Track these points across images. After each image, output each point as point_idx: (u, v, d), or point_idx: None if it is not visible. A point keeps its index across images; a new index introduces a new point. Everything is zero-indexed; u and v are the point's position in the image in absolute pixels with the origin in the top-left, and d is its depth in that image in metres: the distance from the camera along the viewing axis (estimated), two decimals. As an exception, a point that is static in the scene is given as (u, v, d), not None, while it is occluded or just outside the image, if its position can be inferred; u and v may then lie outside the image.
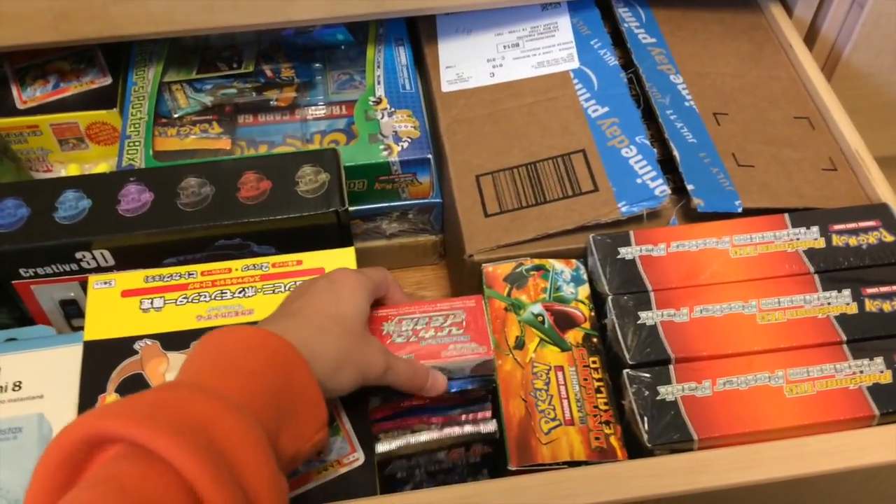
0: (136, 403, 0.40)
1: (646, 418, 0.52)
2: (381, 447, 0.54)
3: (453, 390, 0.56)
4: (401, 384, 0.53)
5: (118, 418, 0.38)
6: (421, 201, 0.72)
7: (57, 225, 0.60)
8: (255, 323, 0.51)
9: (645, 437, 0.51)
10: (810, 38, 0.82)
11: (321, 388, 0.47)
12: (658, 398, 0.53)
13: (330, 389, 0.48)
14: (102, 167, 0.76)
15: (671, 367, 0.54)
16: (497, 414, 0.56)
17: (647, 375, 0.54)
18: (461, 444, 0.56)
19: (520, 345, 0.58)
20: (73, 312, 0.65)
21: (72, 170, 0.75)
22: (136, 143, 0.69)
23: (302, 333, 0.48)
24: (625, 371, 0.54)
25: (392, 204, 0.72)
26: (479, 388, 0.57)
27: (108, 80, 0.76)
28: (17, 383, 0.57)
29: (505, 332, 0.59)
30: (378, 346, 0.53)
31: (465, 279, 0.65)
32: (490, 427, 0.56)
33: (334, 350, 0.49)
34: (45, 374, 0.58)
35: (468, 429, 0.55)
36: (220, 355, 0.45)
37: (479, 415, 0.56)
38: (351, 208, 0.71)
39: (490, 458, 0.58)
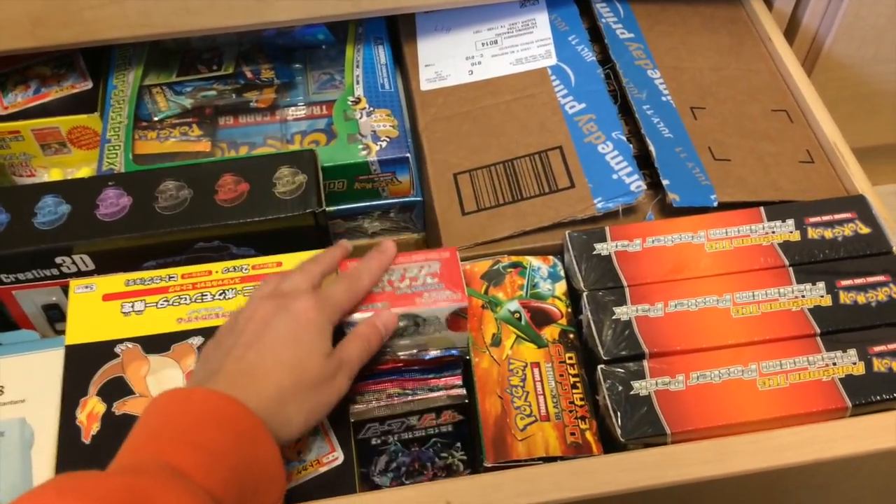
0: (101, 487, 0.39)
1: (619, 413, 0.52)
2: (356, 408, 0.55)
3: (427, 357, 0.57)
4: (364, 361, 0.53)
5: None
6: (401, 200, 0.72)
7: (36, 230, 0.61)
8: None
9: (618, 431, 0.52)
10: (791, 30, 0.83)
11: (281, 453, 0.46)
12: (632, 393, 0.53)
13: (288, 442, 0.48)
14: (85, 171, 0.76)
15: (645, 361, 0.55)
16: (473, 408, 0.56)
17: (622, 370, 0.54)
18: (432, 410, 0.56)
19: (496, 342, 0.58)
20: (55, 317, 0.66)
21: (54, 174, 0.76)
22: (116, 147, 0.70)
23: (265, 402, 0.46)
24: (599, 367, 0.55)
25: (372, 203, 0.72)
26: (452, 356, 0.57)
27: (88, 85, 0.76)
28: (0, 388, 0.58)
29: (482, 330, 0.59)
30: (334, 366, 0.50)
31: (445, 277, 0.65)
32: (459, 391, 0.56)
33: (299, 417, 0.48)
34: (28, 379, 0.59)
35: (440, 392, 0.56)
36: (187, 425, 0.44)
37: (450, 380, 0.56)
38: (332, 208, 0.71)
39: (462, 428, 0.58)
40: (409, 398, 0.57)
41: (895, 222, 0.62)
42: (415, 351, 0.57)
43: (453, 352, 0.57)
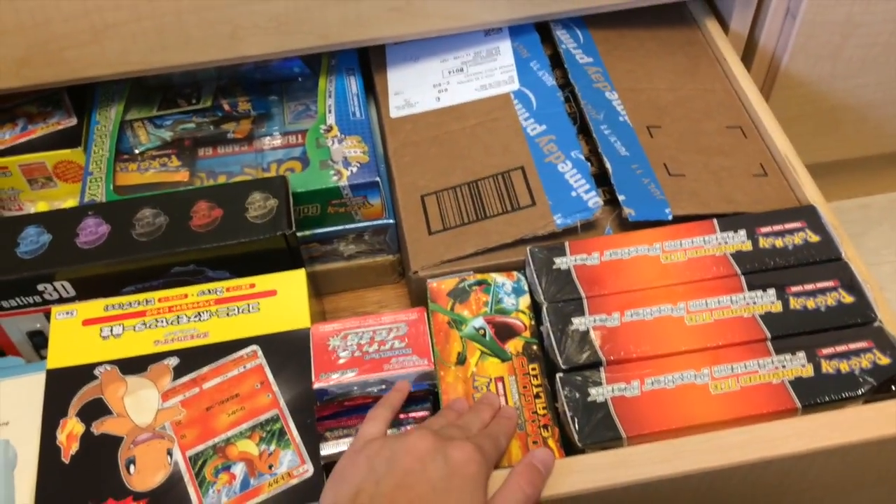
0: None
1: (576, 419, 0.54)
2: (326, 450, 0.56)
3: None
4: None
5: None
6: (374, 223, 0.75)
7: (18, 259, 0.63)
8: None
9: (576, 437, 0.54)
10: (749, 51, 0.86)
11: None
12: (589, 399, 0.55)
13: None
14: (70, 203, 0.79)
15: (602, 369, 0.57)
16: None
17: (579, 378, 0.56)
18: None
19: (461, 360, 0.60)
20: (40, 343, 0.68)
21: (41, 207, 0.78)
22: (98, 179, 0.72)
23: None
24: (557, 375, 0.57)
25: (346, 227, 0.75)
26: (421, 391, 0.59)
27: (73, 121, 0.79)
28: (-16, 412, 0.60)
29: (448, 348, 0.61)
30: None
31: (414, 295, 0.67)
32: None
33: None
34: (12, 402, 0.61)
35: (409, 426, 0.57)
36: None
37: (419, 414, 0.58)
38: (307, 232, 0.74)
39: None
40: None
41: (845, 230, 0.64)
42: (383, 387, 0.59)
43: (423, 385, 0.59)
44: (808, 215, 0.64)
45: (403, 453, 0.48)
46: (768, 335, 0.58)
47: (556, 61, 0.77)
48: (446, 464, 0.47)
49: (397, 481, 0.46)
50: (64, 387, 0.60)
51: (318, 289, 0.78)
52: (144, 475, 0.56)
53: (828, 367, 0.56)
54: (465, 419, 0.54)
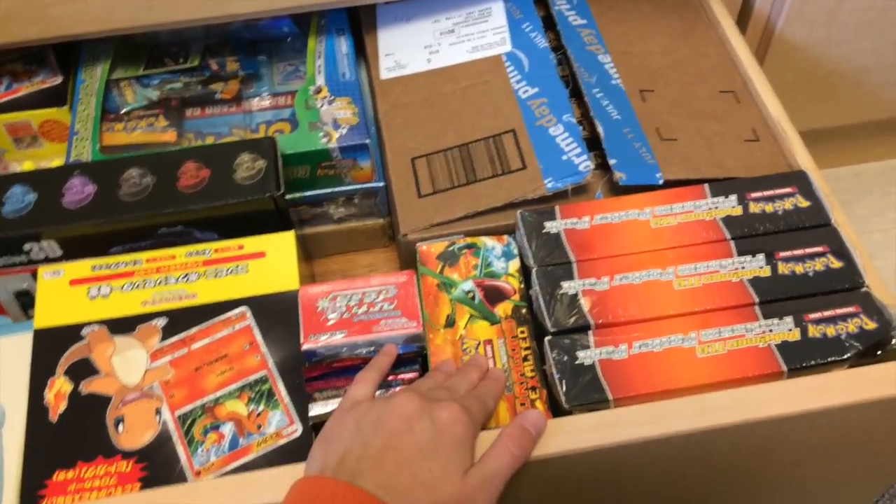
0: None
1: (564, 381, 0.55)
2: (315, 411, 0.56)
3: None
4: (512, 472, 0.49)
5: None
6: (364, 186, 0.74)
7: (3, 219, 0.63)
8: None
9: (563, 398, 0.54)
10: (744, 15, 0.85)
11: None
12: (577, 362, 0.55)
13: None
14: (57, 164, 0.78)
15: (590, 332, 0.57)
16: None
17: (567, 341, 0.56)
18: None
19: (450, 323, 0.60)
20: (28, 303, 0.68)
21: (27, 167, 0.78)
22: (84, 139, 0.72)
23: None
24: (546, 338, 0.57)
25: (336, 189, 0.74)
26: (410, 352, 0.59)
27: (59, 80, 0.78)
28: (-28, 371, 0.60)
29: (437, 310, 0.61)
30: (474, 484, 0.47)
31: (403, 259, 0.67)
32: None
33: None
34: (-1, 362, 0.61)
35: (396, 388, 0.57)
36: None
37: (407, 376, 0.58)
38: (296, 195, 0.73)
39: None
40: None
41: (837, 198, 0.64)
42: (372, 349, 0.59)
43: (412, 347, 0.59)
44: (799, 181, 0.64)
45: (390, 415, 0.48)
46: (756, 300, 0.58)
47: (549, 23, 0.76)
48: (433, 425, 0.47)
49: (384, 442, 0.47)
50: (51, 346, 0.59)
51: (308, 252, 0.77)
52: (133, 434, 0.56)
53: (815, 331, 0.56)
54: (452, 381, 0.54)
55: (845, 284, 0.59)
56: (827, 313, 0.57)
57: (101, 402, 0.57)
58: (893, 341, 0.56)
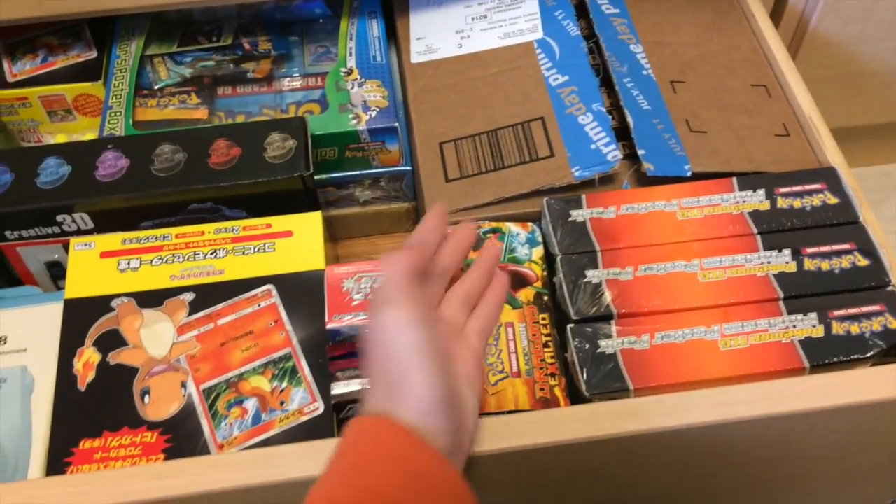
0: None
1: (585, 369, 0.55)
2: (337, 389, 0.57)
3: None
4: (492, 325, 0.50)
5: None
6: (391, 169, 0.75)
7: (38, 190, 0.64)
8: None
9: (583, 387, 0.54)
10: (778, 7, 0.84)
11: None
12: (598, 351, 0.56)
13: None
14: (90, 137, 0.79)
15: (613, 322, 0.57)
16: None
17: (590, 330, 0.57)
18: None
19: (473, 303, 0.61)
20: (58, 274, 0.69)
21: (60, 139, 0.79)
22: (118, 114, 0.72)
23: (439, 438, 0.43)
24: (568, 326, 0.57)
25: (363, 172, 0.75)
26: None
27: (93, 54, 0.79)
28: (3, 338, 0.61)
29: (460, 291, 0.62)
30: (462, 359, 0.47)
31: (429, 242, 0.68)
32: None
33: (459, 428, 0.44)
34: (29, 330, 0.62)
35: None
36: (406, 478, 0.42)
37: None
38: (323, 176, 0.74)
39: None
40: None
41: (865, 197, 0.64)
42: None
43: None
44: (829, 177, 0.64)
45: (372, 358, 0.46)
46: (781, 295, 0.58)
47: (582, 11, 0.76)
48: (375, 330, 0.45)
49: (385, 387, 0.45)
50: (81, 317, 0.60)
51: (333, 233, 0.78)
52: (158, 406, 0.57)
53: (838, 328, 0.56)
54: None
55: (871, 283, 0.58)
56: (851, 311, 0.57)
57: (129, 372, 0.58)
58: (918, 341, 0.56)
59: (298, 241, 0.64)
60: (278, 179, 0.64)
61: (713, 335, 0.56)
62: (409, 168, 0.75)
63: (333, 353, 0.59)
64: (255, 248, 0.64)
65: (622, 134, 0.67)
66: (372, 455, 0.42)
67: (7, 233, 0.65)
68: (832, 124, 0.70)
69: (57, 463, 0.55)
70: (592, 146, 0.66)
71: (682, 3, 0.77)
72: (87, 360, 0.59)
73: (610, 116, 0.68)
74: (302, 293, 0.61)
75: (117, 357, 0.59)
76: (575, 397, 0.57)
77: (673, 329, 0.56)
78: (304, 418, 0.57)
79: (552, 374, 0.58)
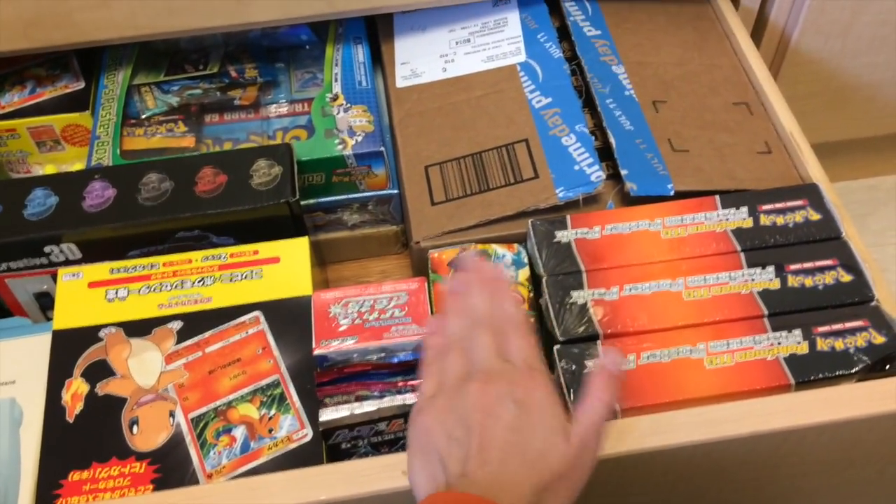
0: None
1: (572, 390, 0.55)
2: (325, 416, 0.57)
3: (395, 361, 0.59)
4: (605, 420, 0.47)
5: None
6: (378, 193, 0.75)
7: (26, 221, 0.64)
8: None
9: (571, 408, 0.54)
10: (759, 27, 0.85)
11: None
12: (585, 371, 0.56)
13: None
14: (78, 167, 0.79)
15: (599, 342, 0.57)
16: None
17: (576, 350, 0.57)
18: (400, 416, 0.59)
19: (460, 326, 0.61)
20: (47, 304, 0.69)
21: (49, 170, 0.79)
22: (105, 143, 0.73)
23: None
24: (555, 347, 0.57)
25: (350, 196, 0.75)
26: (420, 359, 0.59)
27: (81, 85, 0.79)
28: (-9, 370, 0.61)
29: (447, 314, 0.62)
30: (576, 447, 0.45)
31: (416, 265, 0.68)
32: None
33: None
34: (18, 361, 0.62)
35: (407, 395, 0.58)
36: None
37: (417, 382, 0.59)
38: (311, 201, 0.74)
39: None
40: (376, 405, 0.57)
41: (851, 211, 0.64)
42: (382, 355, 0.60)
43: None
44: (810, 193, 0.64)
45: (472, 411, 0.45)
46: (765, 312, 0.58)
47: (564, 33, 0.77)
48: (515, 403, 0.45)
49: (479, 441, 0.44)
50: (69, 347, 0.61)
51: (322, 258, 0.78)
52: (147, 435, 0.57)
53: (823, 344, 0.57)
54: (478, 337, 0.49)
55: (855, 298, 0.59)
56: (836, 327, 0.57)
57: (117, 403, 0.58)
58: (902, 356, 0.56)
59: (286, 267, 0.64)
60: (265, 206, 0.65)
61: (699, 354, 0.56)
62: (395, 192, 0.75)
63: (321, 378, 0.59)
64: (242, 275, 0.64)
65: (605, 154, 0.68)
66: None
67: (-5, 264, 0.65)
68: (817, 139, 0.70)
69: (46, 495, 0.55)
70: (576, 167, 0.66)
71: (663, 23, 0.78)
72: (75, 390, 0.59)
73: (593, 137, 0.68)
74: (290, 319, 0.62)
75: (105, 387, 0.59)
76: (563, 418, 0.57)
77: (659, 348, 0.57)
78: (293, 445, 0.57)
79: (540, 396, 0.58)
